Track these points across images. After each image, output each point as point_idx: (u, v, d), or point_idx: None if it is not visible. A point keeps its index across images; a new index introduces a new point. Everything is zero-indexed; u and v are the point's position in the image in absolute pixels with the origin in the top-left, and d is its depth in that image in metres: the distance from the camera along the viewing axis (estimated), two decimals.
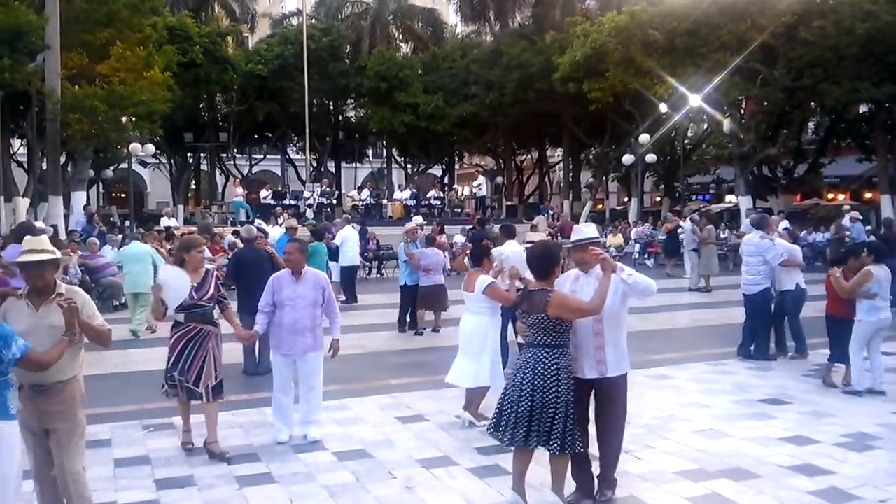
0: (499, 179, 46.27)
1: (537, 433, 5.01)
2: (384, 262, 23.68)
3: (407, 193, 31.44)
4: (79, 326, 4.44)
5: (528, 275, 5.62)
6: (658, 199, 43.57)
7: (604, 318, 5.17)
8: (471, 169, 53.96)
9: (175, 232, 20.28)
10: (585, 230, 5.46)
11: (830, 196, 37.23)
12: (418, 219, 18.37)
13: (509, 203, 38.03)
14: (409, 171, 48.03)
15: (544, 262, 5.26)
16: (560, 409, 4.99)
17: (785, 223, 17.78)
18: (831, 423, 7.31)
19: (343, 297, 16.52)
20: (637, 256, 26.30)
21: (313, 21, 41.44)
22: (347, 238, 16.95)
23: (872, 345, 8.49)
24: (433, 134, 38.93)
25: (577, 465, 5.31)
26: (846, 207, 24.63)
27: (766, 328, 10.34)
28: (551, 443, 5.01)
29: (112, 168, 33.46)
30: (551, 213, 35.83)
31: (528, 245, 5.53)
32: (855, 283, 8.39)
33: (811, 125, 34.71)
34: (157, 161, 40.79)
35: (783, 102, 27.58)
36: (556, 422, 4.98)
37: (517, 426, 5.03)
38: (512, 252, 9.08)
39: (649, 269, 23.92)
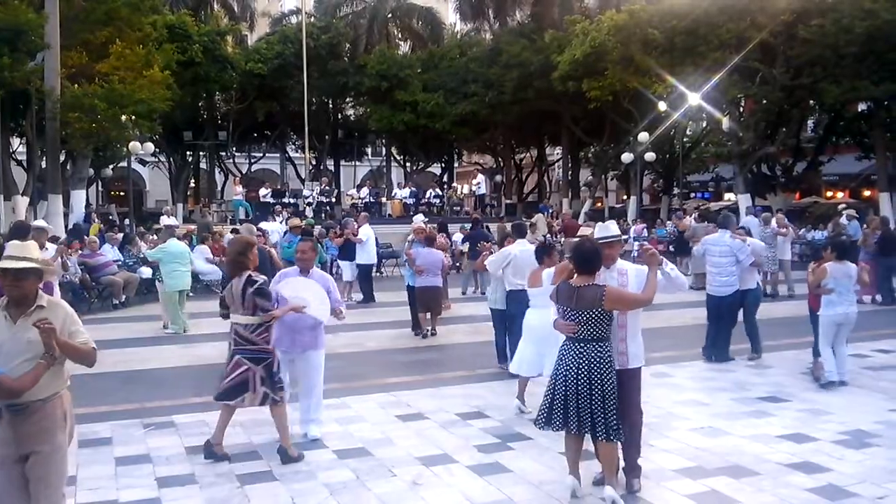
0: (498, 178, 46.33)
1: (592, 423, 5.26)
2: (383, 261, 23.67)
3: (406, 192, 31.50)
4: (58, 348, 3.98)
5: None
6: (653, 196, 43.57)
7: (628, 312, 5.48)
8: (470, 167, 53.96)
9: (151, 236, 20.28)
10: (612, 228, 5.73)
11: (829, 194, 37.28)
12: (420, 217, 18.34)
13: (508, 201, 38.08)
14: (409, 169, 48.04)
15: (595, 258, 5.37)
16: (613, 398, 5.27)
17: (772, 224, 17.75)
18: (829, 420, 7.33)
19: (355, 297, 16.55)
20: (636, 255, 26.30)
21: (312, 19, 41.43)
22: (368, 236, 16.87)
23: (837, 338, 8.74)
24: (432, 132, 38.92)
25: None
26: (842, 206, 24.66)
27: (731, 329, 10.33)
28: (609, 431, 5.26)
29: (111, 167, 33.46)
30: (551, 211, 35.84)
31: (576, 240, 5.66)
32: (812, 279, 8.88)
33: (810, 123, 34.72)
34: (157, 160, 40.78)
35: (782, 101, 27.58)
36: (608, 411, 5.24)
37: (581, 416, 5.27)
38: (521, 251, 9.04)
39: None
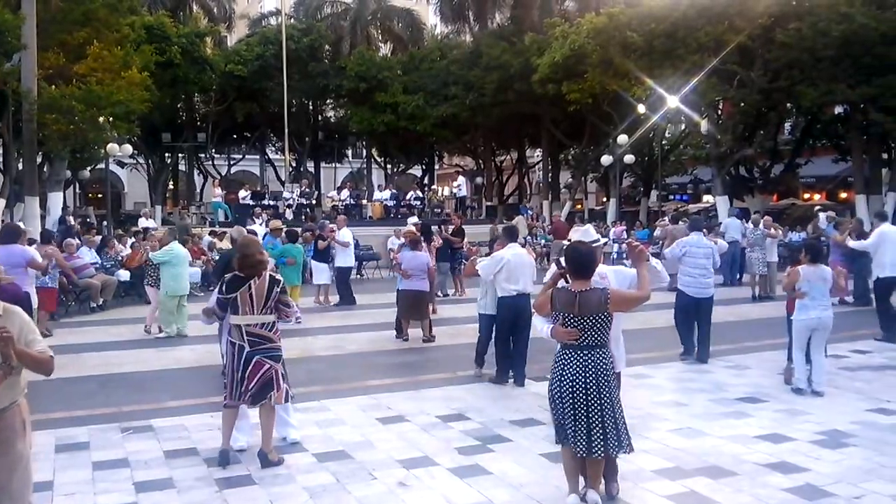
0: (479, 180, 46.39)
1: (604, 437, 5.03)
2: (364, 263, 23.65)
3: (387, 194, 31.44)
4: (15, 357, 3.82)
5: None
6: (637, 199, 43.78)
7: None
8: (451, 169, 54.02)
9: (153, 233, 20.13)
10: (593, 232, 5.71)
11: (806, 196, 37.65)
12: (413, 220, 18.29)
13: (489, 203, 38.13)
14: (389, 171, 48.00)
15: (592, 261, 5.22)
16: (620, 407, 5.18)
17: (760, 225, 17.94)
18: (806, 420, 7.39)
19: (332, 300, 16.49)
20: (615, 257, 26.41)
21: (292, 21, 41.32)
22: (349, 240, 16.89)
23: (812, 344, 8.48)
24: (413, 134, 38.92)
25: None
26: (818, 208, 24.90)
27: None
28: (622, 444, 5.10)
29: (89, 168, 33.14)
30: (531, 212, 35.95)
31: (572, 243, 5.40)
32: (785, 283, 8.75)
33: (787, 126, 35.02)
34: (135, 161, 40.51)
35: (760, 104, 27.81)
36: (619, 422, 5.12)
37: (595, 432, 5.02)
38: (514, 255, 8.87)
39: (628, 268, 24.00)
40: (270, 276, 6.26)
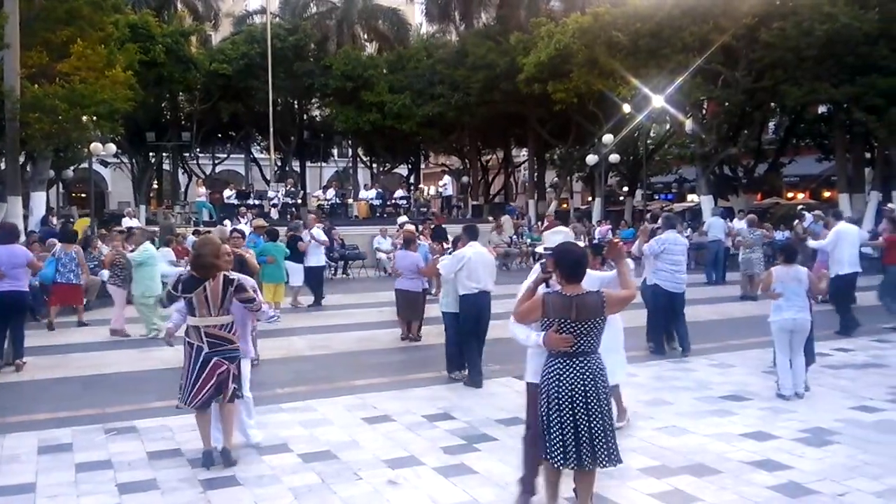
0: (465, 179, 46.43)
1: (592, 447, 4.79)
2: (350, 263, 23.62)
3: (373, 193, 31.41)
4: None
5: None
6: (622, 198, 43.94)
7: None
8: (437, 168, 54.00)
9: (115, 233, 19.95)
10: (558, 238, 5.37)
11: (790, 195, 37.88)
12: (403, 219, 18.31)
13: (475, 203, 38.16)
14: (375, 170, 47.92)
15: (585, 263, 4.99)
16: (612, 415, 4.98)
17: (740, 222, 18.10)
18: (790, 418, 7.43)
19: (304, 301, 16.42)
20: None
21: (278, 20, 41.18)
22: (319, 237, 16.81)
23: (792, 346, 8.28)
24: (399, 133, 38.86)
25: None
26: (800, 207, 25.04)
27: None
28: (612, 455, 4.83)
29: (72, 168, 32.94)
30: (517, 212, 36.01)
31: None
32: (761, 285, 8.78)
33: (771, 125, 35.27)
34: (119, 161, 40.23)
35: (744, 103, 27.96)
36: (612, 431, 4.88)
37: (595, 443, 4.77)
38: (475, 254, 8.88)
39: (613, 267, 24.06)
40: (225, 276, 6.20)
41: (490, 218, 31.01)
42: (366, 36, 46.29)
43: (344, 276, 23.17)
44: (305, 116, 45.49)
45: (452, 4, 43.99)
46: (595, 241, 8.95)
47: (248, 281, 6.61)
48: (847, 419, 7.39)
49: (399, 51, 41.75)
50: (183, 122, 39.56)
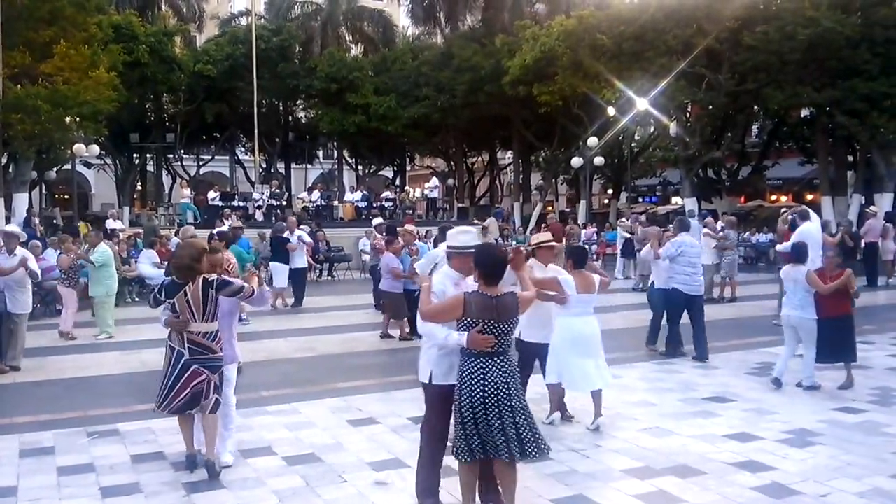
0: (450, 181, 46.49)
1: (520, 440, 4.84)
2: (335, 265, 23.57)
3: (358, 195, 31.38)
4: None
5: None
6: (606, 201, 44.13)
7: None
8: (422, 171, 54.02)
9: (120, 234, 19.89)
10: (465, 238, 5.24)
11: (773, 198, 38.11)
12: (378, 220, 18.33)
13: (461, 205, 38.19)
14: (361, 172, 47.86)
15: (504, 264, 5.02)
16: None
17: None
18: (773, 419, 7.47)
19: (288, 302, 16.39)
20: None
21: (262, 21, 41.08)
22: (302, 239, 16.89)
23: (801, 340, 8.80)
24: (384, 135, 38.88)
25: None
26: (783, 210, 25.16)
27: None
28: (540, 446, 4.88)
29: (55, 169, 32.75)
30: (504, 214, 36.03)
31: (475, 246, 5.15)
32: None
33: (755, 129, 35.52)
34: (102, 162, 40.02)
35: (727, 106, 28.16)
36: (534, 423, 4.94)
37: (522, 436, 4.82)
38: None
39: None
40: (204, 279, 6.02)
41: (475, 220, 31.03)
42: (351, 38, 46.29)
43: (329, 277, 23.11)
44: (290, 118, 45.44)
45: (437, 6, 44.05)
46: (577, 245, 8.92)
47: (231, 277, 6.47)
48: (830, 420, 7.44)
49: (384, 53, 41.80)
50: (167, 123, 39.44)
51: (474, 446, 4.83)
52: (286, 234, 16.60)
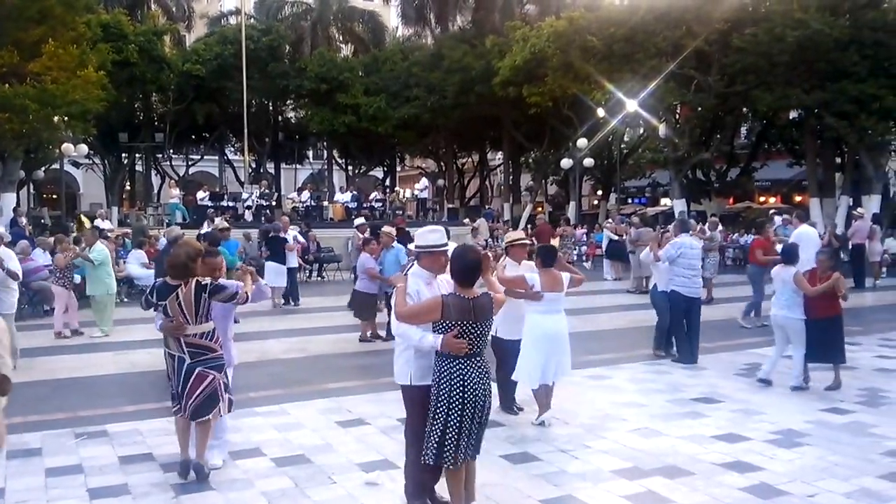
0: (440, 182, 46.53)
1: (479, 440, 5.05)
2: (325, 266, 23.52)
3: (348, 196, 31.36)
4: None
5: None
6: (596, 202, 44.23)
7: None
8: (412, 171, 54.02)
9: (108, 234, 19.78)
10: (434, 237, 5.21)
11: (762, 199, 38.31)
12: (360, 220, 18.32)
13: (450, 206, 38.22)
14: (351, 173, 47.81)
15: (478, 267, 4.98)
16: None
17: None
18: (761, 420, 7.51)
19: (279, 301, 16.38)
20: (575, 259, 26.60)
21: (252, 21, 40.99)
22: (296, 238, 17.04)
23: (789, 340, 8.88)
24: (374, 136, 38.87)
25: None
26: (772, 212, 25.31)
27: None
28: (478, 445, 5.05)
29: (43, 169, 32.62)
30: (493, 215, 36.08)
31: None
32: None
33: (743, 130, 35.66)
34: (91, 162, 39.89)
35: (717, 108, 28.26)
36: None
37: (478, 439, 5.00)
38: None
39: (587, 270, 24.21)
40: (197, 282, 5.93)
41: (465, 221, 31.08)
42: (341, 38, 46.25)
43: (319, 278, 23.07)
44: (280, 118, 45.37)
45: (428, 7, 44.05)
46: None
47: (225, 281, 6.39)
48: (817, 421, 7.48)
49: (374, 53, 41.76)
50: (156, 123, 39.29)
51: (459, 450, 4.83)
52: (282, 234, 16.60)
